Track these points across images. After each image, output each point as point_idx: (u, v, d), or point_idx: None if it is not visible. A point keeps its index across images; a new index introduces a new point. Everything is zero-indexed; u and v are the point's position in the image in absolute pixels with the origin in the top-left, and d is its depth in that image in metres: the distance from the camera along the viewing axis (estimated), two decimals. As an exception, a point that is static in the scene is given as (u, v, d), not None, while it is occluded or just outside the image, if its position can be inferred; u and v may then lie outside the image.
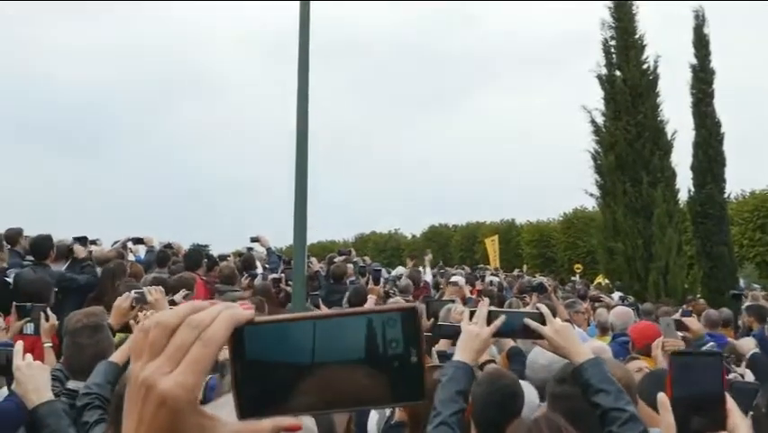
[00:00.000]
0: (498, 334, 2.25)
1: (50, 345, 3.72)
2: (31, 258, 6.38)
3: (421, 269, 10.84)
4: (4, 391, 2.83)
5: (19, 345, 2.31)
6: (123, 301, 3.68)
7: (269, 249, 9.09)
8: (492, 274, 12.87)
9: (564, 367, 2.19)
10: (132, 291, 3.83)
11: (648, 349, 4.15)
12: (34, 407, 2.19)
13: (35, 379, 2.21)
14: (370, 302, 5.85)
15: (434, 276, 10.93)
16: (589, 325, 8.02)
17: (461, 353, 2.17)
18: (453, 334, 3.31)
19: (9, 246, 6.63)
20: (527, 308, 6.66)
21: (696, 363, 1.48)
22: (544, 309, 2.18)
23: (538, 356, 3.22)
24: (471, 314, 4.41)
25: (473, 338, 2.17)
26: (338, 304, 7.17)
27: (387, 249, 42.64)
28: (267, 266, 8.64)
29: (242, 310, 0.61)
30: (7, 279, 5.79)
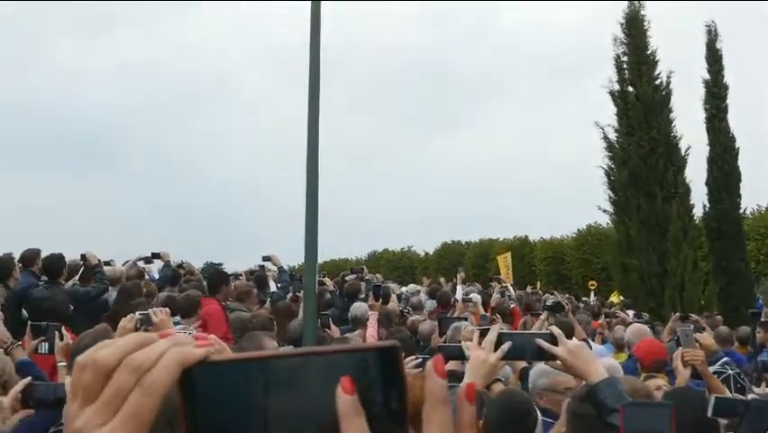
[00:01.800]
0: (508, 357, 2.22)
1: (65, 364, 3.72)
2: (45, 278, 6.46)
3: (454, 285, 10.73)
4: (22, 413, 2.82)
5: (67, 381, 2.29)
6: (127, 322, 3.63)
7: (280, 268, 9.10)
8: (502, 288, 12.76)
9: (584, 386, 2.16)
10: (137, 313, 3.79)
11: (657, 366, 4.09)
12: None
13: None
14: (372, 319, 5.80)
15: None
16: (603, 342, 7.95)
17: (468, 379, 2.16)
18: (456, 354, 3.26)
19: (23, 266, 6.69)
20: (536, 326, 6.58)
21: (646, 413, 1.55)
22: (556, 330, 2.16)
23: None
24: (482, 333, 4.37)
25: (480, 364, 2.15)
26: (347, 323, 7.16)
27: (400, 267, 42.57)
28: (279, 285, 8.64)
29: (191, 349, 0.53)
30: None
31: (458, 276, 11.50)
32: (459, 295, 9.75)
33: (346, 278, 10.36)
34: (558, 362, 2.12)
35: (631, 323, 7.98)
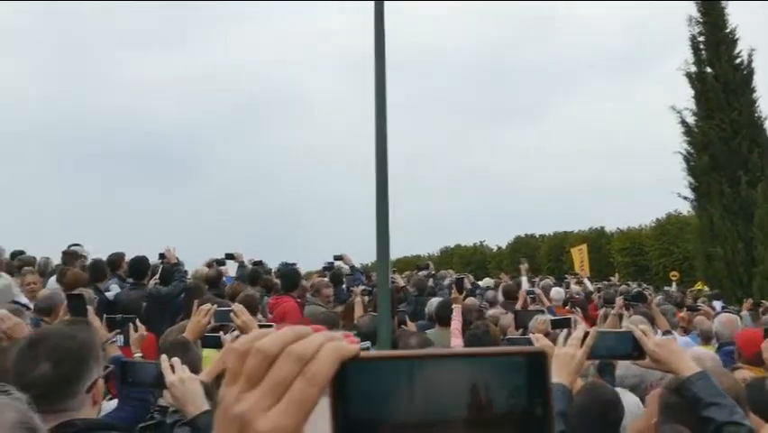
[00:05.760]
0: (596, 356, 2.21)
1: (140, 355, 3.78)
2: (131, 280, 6.74)
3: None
4: (114, 403, 2.93)
5: (164, 359, 2.36)
6: (201, 318, 3.61)
7: (352, 267, 9.18)
8: (577, 283, 12.47)
9: (676, 378, 2.10)
10: (214, 306, 3.77)
11: (759, 358, 3.88)
12: (192, 418, 2.27)
13: (191, 392, 2.28)
14: (456, 312, 5.72)
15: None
16: (687, 334, 7.65)
17: (557, 375, 2.14)
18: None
19: (111, 270, 7.00)
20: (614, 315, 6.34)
21: None
22: (643, 327, 2.14)
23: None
24: (554, 323, 4.28)
25: (568, 361, 2.14)
26: (422, 318, 7.14)
27: (472, 262, 42.29)
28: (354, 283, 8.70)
29: (346, 344, 0.54)
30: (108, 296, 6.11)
31: (522, 268, 11.30)
32: (524, 286, 9.61)
33: (418, 274, 10.35)
34: (646, 360, 2.08)
35: (718, 313, 7.62)
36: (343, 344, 0.54)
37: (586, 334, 2.17)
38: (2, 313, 3.08)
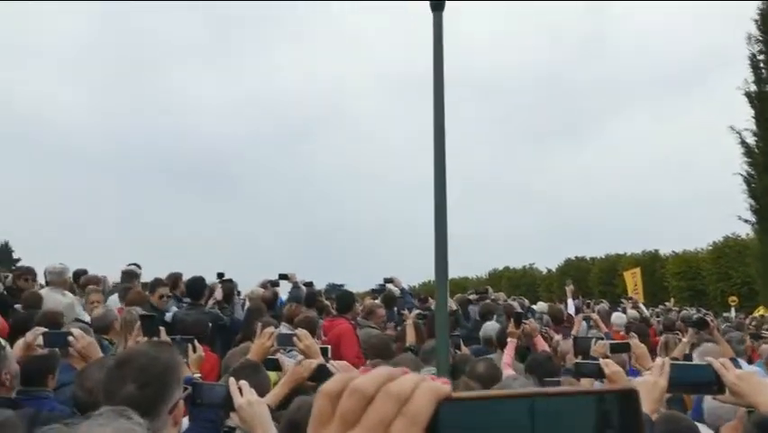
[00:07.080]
0: (672, 389, 2.16)
1: (199, 375, 3.79)
2: (188, 300, 6.84)
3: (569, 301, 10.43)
4: (186, 422, 2.96)
5: (232, 382, 2.40)
6: (265, 340, 3.65)
7: (402, 289, 9.14)
8: (633, 307, 12.14)
9: (759, 413, 2.03)
10: (276, 330, 3.79)
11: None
12: None
13: (260, 415, 2.30)
14: (510, 346, 5.62)
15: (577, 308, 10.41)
16: (751, 363, 7.36)
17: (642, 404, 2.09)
18: (594, 371, 3.17)
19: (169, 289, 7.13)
20: (679, 347, 6.15)
21: None
22: (722, 359, 2.09)
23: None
24: (613, 347, 4.19)
25: (651, 388, 2.09)
26: (477, 343, 7.06)
27: (521, 285, 41.70)
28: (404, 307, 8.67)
29: (440, 384, 0.54)
30: (166, 318, 6.22)
31: (567, 289, 11.06)
32: (571, 309, 9.39)
33: (469, 298, 10.24)
34: (726, 395, 2.01)
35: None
36: (438, 384, 0.54)
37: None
38: (77, 332, 3.17)
